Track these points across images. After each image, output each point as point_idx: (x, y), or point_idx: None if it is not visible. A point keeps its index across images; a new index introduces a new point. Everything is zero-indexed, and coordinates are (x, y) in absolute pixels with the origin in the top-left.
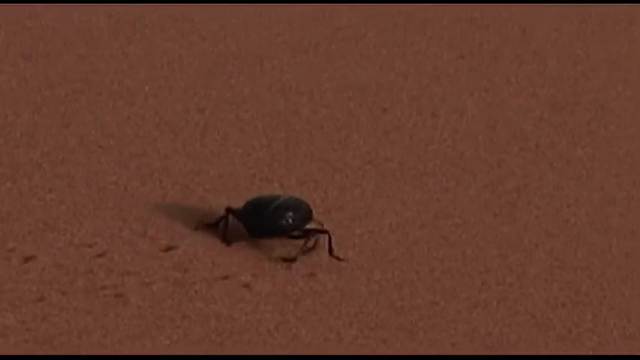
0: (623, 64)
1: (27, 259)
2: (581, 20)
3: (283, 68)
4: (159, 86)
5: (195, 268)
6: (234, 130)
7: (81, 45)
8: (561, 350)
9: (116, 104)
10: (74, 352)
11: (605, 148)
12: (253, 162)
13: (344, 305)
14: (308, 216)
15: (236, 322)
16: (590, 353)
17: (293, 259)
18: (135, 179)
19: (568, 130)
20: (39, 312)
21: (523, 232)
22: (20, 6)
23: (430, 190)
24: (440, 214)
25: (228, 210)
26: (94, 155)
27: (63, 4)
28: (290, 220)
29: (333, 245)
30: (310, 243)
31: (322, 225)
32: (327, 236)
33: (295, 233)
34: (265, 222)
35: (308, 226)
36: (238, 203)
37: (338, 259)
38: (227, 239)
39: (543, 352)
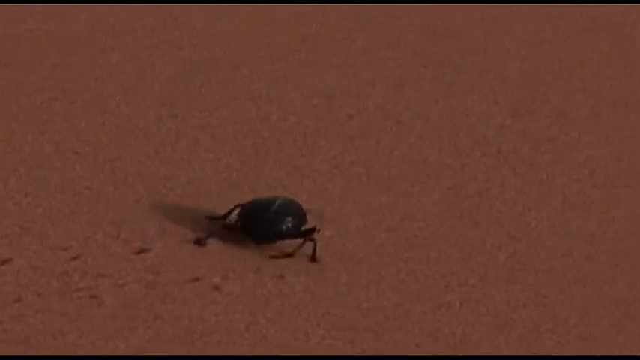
0: (581, 72)
1: (3, 262)
2: (540, 30)
3: (253, 77)
4: (132, 94)
5: (166, 270)
6: (205, 137)
7: (56, 54)
8: (522, 350)
9: (90, 111)
10: (50, 352)
11: (565, 153)
12: (224, 167)
13: (312, 306)
14: (304, 218)
15: (207, 322)
16: (550, 353)
17: (290, 255)
18: (109, 184)
19: (529, 136)
20: (15, 313)
21: (485, 236)
22: None
23: (395, 194)
24: (405, 217)
25: (237, 207)
26: (69, 161)
27: (39, 13)
28: (290, 225)
29: (317, 251)
30: (305, 242)
31: (319, 230)
32: (312, 243)
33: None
34: (265, 225)
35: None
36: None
37: (314, 260)
38: (205, 240)
39: (505, 351)
